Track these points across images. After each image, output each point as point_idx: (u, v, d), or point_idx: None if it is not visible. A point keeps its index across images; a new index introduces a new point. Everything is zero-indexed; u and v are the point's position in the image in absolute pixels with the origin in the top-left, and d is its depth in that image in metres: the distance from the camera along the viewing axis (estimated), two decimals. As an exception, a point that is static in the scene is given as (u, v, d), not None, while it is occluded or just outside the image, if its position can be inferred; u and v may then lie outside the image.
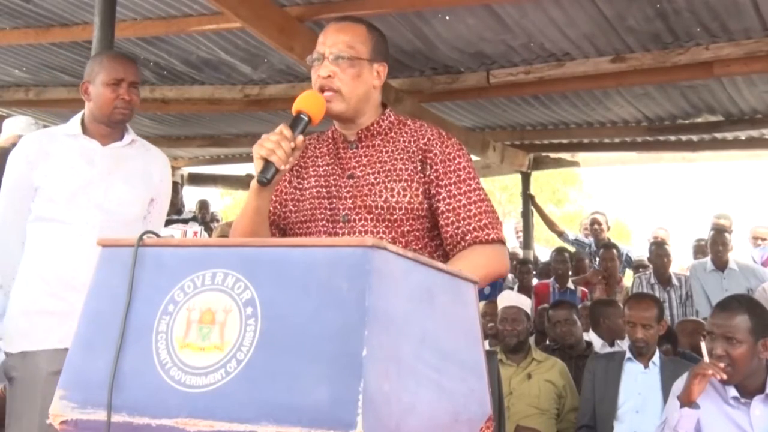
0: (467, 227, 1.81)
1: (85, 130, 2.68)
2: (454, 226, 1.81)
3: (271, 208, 1.88)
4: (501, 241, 1.84)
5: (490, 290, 6.10)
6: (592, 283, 6.56)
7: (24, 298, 2.58)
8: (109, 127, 2.68)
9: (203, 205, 8.81)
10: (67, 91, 6.64)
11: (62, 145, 2.65)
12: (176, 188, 8.23)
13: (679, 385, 2.73)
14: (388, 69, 1.90)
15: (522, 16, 4.78)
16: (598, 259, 7.01)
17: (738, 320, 2.59)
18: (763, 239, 7.04)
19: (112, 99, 2.61)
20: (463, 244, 1.81)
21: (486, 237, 1.80)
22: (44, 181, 2.60)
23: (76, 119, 2.71)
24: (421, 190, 1.82)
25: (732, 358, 2.57)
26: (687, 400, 2.61)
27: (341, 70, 1.80)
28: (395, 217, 1.80)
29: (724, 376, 2.55)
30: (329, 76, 1.79)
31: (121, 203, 2.64)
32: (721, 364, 2.57)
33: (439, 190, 1.82)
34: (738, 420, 2.62)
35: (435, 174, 1.83)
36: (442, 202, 1.82)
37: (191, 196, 9.59)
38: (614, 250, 6.66)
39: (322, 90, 1.80)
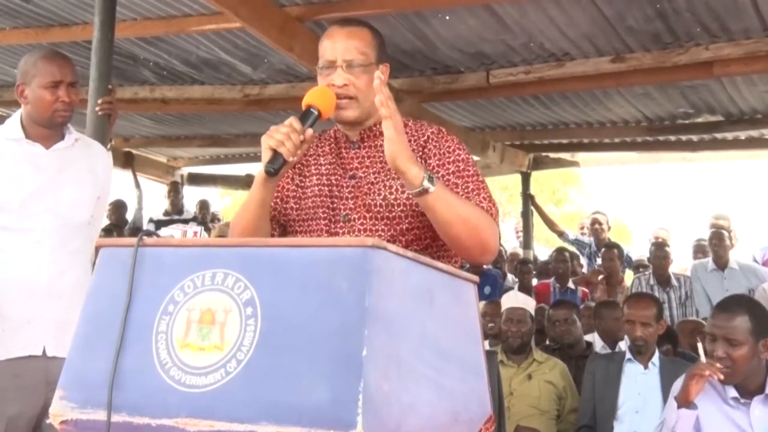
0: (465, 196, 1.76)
1: (26, 133, 2.57)
2: None
3: (273, 204, 1.87)
4: (494, 217, 1.77)
5: (490, 290, 6.10)
6: (592, 282, 6.55)
7: None
8: (50, 129, 2.59)
9: (203, 205, 8.81)
10: (66, 91, 6.64)
11: (6, 151, 2.55)
12: (176, 188, 8.24)
13: (678, 385, 2.73)
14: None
15: (522, 16, 4.78)
16: (598, 259, 6.99)
17: (738, 321, 2.59)
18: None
19: (51, 102, 2.52)
20: None
21: (479, 204, 1.76)
22: None
23: (15, 122, 2.60)
24: None
25: (733, 360, 2.57)
26: (684, 401, 2.61)
27: (356, 77, 1.78)
28: (394, 214, 1.79)
29: (722, 376, 2.55)
30: (345, 85, 1.77)
31: (72, 206, 2.58)
32: (720, 365, 2.56)
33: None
34: (738, 420, 2.61)
35: (432, 166, 1.81)
36: None
37: (191, 196, 9.58)
38: (615, 250, 6.64)
39: (338, 98, 1.77)
